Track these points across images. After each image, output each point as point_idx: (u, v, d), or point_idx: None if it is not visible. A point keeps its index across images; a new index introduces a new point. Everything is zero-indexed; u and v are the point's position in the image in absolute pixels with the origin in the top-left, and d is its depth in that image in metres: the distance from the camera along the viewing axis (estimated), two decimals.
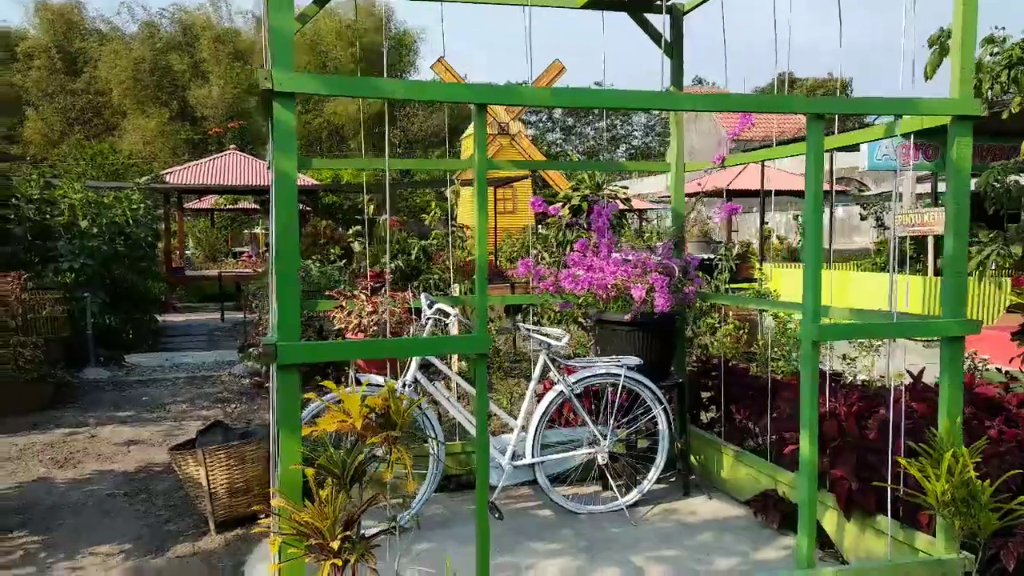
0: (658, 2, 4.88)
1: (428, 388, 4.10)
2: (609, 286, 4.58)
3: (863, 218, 27.18)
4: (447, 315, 3.99)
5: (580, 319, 8.48)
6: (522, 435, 4.29)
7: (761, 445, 4.63)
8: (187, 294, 17.40)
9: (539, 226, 24.92)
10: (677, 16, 4.97)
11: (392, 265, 8.80)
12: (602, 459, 4.36)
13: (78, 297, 9.19)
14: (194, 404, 7.89)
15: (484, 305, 2.57)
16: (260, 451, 4.58)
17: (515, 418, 4.36)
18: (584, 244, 5.03)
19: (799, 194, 23.53)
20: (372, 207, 11.10)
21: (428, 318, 4.10)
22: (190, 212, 25.83)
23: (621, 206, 10.20)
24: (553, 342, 4.22)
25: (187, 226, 26.32)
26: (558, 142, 69.98)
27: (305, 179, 19.27)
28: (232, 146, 21.36)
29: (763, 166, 16.72)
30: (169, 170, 17.81)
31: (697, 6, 4.94)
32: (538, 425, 4.25)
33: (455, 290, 8.16)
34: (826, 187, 23.81)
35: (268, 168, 4.70)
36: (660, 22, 4.96)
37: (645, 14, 4.92)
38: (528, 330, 4.30)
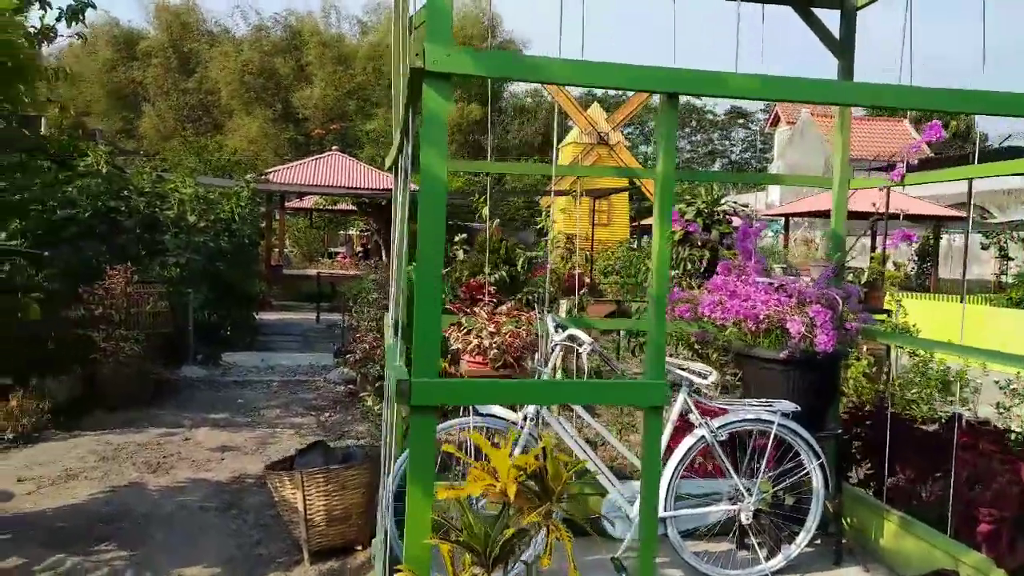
0: None
1: (554, 425, 3.61)
2: (760, 317, 4.00)
3: (984, 247, 25.36)
4: (579, 342, 3.49)
5: (694, 347, 7.87)
6: None
7: (926, 506, 3.96)
8: (283, 292, 17.51)
9: (634, 240, 24.25)
10: (849, 11, 4.36)
11: (495, 276, 8.40)
12: (745, 517, 3.78)
13: (182, 292, 9.14)
14: (288, 409, 7.66)
15: (661, 342, 2.07)
16: (361, 476, 4.20)
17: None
18: (727, 267, 4.46)
19: (914, 218, 22.10)
20: (485, 211, 10.71)
21: (556, 344, 3.62)
22: (290, 211, 26.25)
23: (738, 222, 9.52)
24: (697, 380, 3.68)
25: (286, 225, 26.78)
26: (650, 154, 68.73)
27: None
28: (334, 147, 21.53)
29: (888, 190, 15.58)
30: (273, 169, 18.01)
31: (873, 1, 4.32)
32: (673, 473, 3.71)
33: (562, 307, 7.68)
34: (942, 213, 22.24)
35: (388, 169, 4.36)
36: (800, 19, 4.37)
37: (813, 8, 4.33)
38: (667, 364, 3.77)
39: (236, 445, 6.33)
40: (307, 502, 4.06)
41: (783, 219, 26.83)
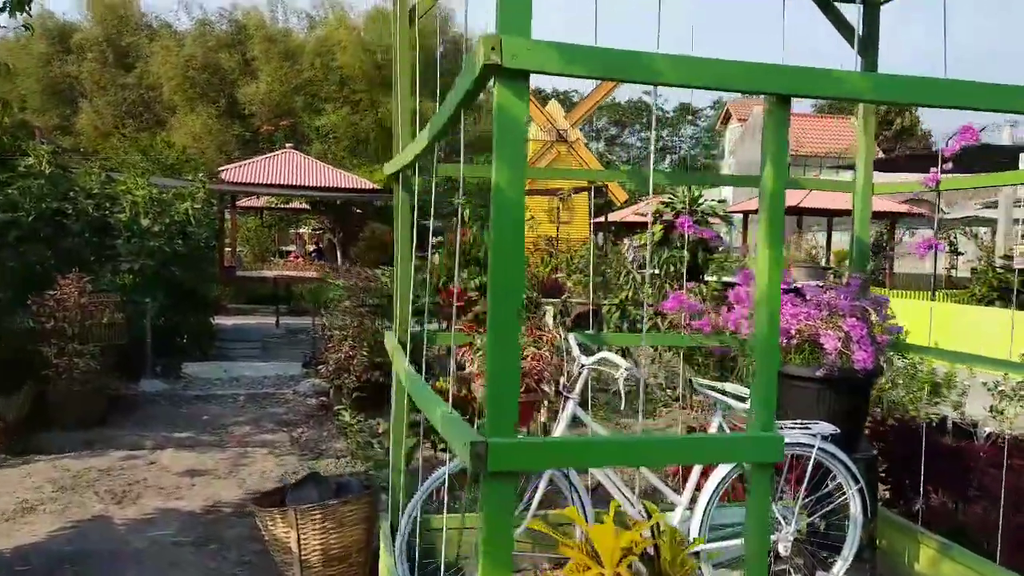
0: None
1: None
2: (792, 332, 3.76)
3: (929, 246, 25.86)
4: (614, 366, 3.19)
5: (697, 361, 7.66)
6: (686, 514, 3.48)
7: (964, 528, 3.78)
8: (237, 295, 16.86)
9: (599, 237, 24.10)
10: (873, 6, 4.15)
11: (476, 282, 8.06)
12: (784, 548, 3.53)
13: (137, 301, 8.58)
14: (258, 426, 7.21)
15: (771, 388, 1.78)
16: (360, 511, 3.84)
17: (676, 491, 3.55)
18: (748, 276, 4.21)
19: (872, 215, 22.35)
20: (467, 211, 10.34)
21: (583, 367, 3.31)
22: (240, 210, 25.42)
23: (717, 224, 9.35)
24: (735, 402, 3.41)
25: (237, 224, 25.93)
26: (602, 152, 68.96)
27: (361, 180, 18.69)
28: (288, 144, 20.84)
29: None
30: (225, 167, 17.31)
31: None
32: (708, 503, 3.44)
33: (548, 315, 7.39)
34: (896, 209, 22.60)
35: (386, 177, 4.00)
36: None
37: (836, 3, 4.11)
38: (701, 385, 3.49)
39: (206, 468, 5.88)
40: (302, 542, 3.68)
41: (741, 216, 27.02)
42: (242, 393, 8.22)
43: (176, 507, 5.06)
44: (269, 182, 16.52)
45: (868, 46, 4.16)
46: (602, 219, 24.23)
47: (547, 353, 3.43)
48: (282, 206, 23.91)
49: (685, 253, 8.70)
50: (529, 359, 3.33)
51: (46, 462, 5.91)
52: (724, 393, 3.47)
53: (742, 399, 3.44)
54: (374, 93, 38.20)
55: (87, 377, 6.82)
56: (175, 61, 35.79)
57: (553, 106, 27.16)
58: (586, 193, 23.89)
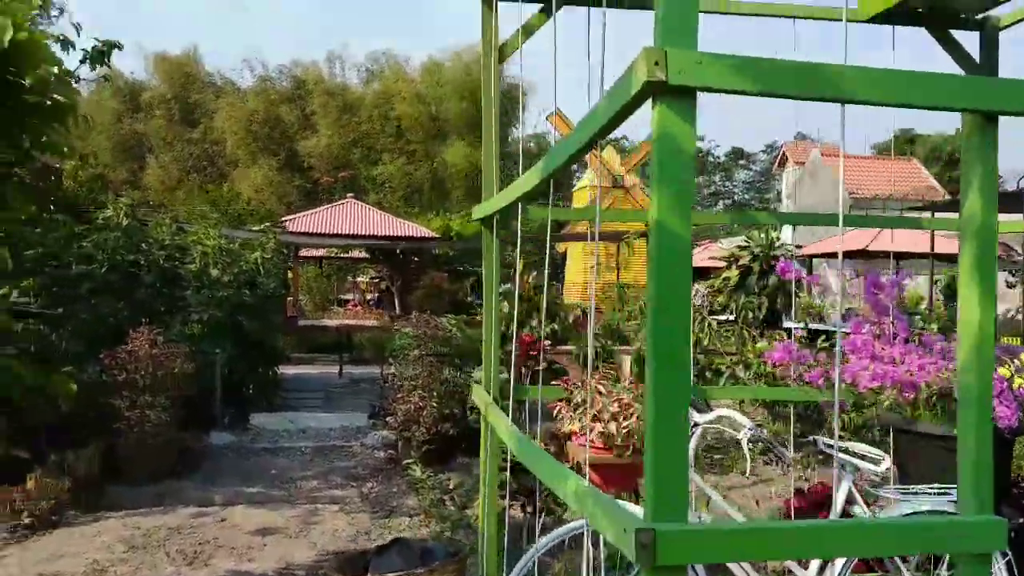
0: (966, 15, 3.79)
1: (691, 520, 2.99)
2: (921, 385, 3.41)
3: (1010, 286, 24.95)
4: (736, 425, 2.89)
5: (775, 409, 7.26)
6: None
7: None
8: (299, 344, 16.89)
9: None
10: (991, 32, 3.86)
11: (545, 331, 7.81)
12: None
13: (206, 351, 8.54)
14: (326, 480, 7.01)
15: (986, 458, 1.49)
16: None
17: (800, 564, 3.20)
18: (860, 326, 3.88)
19: (940, 257, 21.62)
20: (522, 264, 10.15)
21: (696, 425, 3.01)
22: (301, 259, 25.80)
23: (797, 269, 8.94)
24: (867, 466, 3.07)
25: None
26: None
27: (420, 229, 18.74)
28: (349, 195, 21.10)
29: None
30: (289, 217, 17.54)
31: (1019, 21, 3.82)
32: None
33: (624, 364, 7.09)
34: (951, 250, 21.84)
35: (473, 219, 3.82)
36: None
37: (951, 30, 3.83)
38: (827, 446, 3.16)
39: (277, 526, 5.68)
40: None
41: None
42: (309, 446, 8.05)
43: (248, 570, 4.86)
44: (331, 232, 16.65)
45: (990, 74, 3.86)
46: None
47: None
48: (342, 255, 24.17)
49: (763, 299, 8.32)
50: (636, 418, 3.04)
51: (117, 519, 5.78)
52: (854, 454, 3.14)
53: (875, 461, 3.10)
54: (429, 144, 38.81)
55: (158, 430, 6.74)
56: (238, 116, 36.93)
57: (609, 152, 27.10)
58: (643, 239, 23.59)
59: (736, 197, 75.31)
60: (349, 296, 31.19)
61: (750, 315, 8.07)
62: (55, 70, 3.38)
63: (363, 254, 24.06)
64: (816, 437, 3.25)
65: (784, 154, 42.86)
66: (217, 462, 7.38)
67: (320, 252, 23.44)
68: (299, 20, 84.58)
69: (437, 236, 18.68)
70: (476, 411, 8.20)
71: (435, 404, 7.19)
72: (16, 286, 7.77)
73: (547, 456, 2.21)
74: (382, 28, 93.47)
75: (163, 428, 6.79)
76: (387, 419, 7.85)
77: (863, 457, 3.09)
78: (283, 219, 16.95)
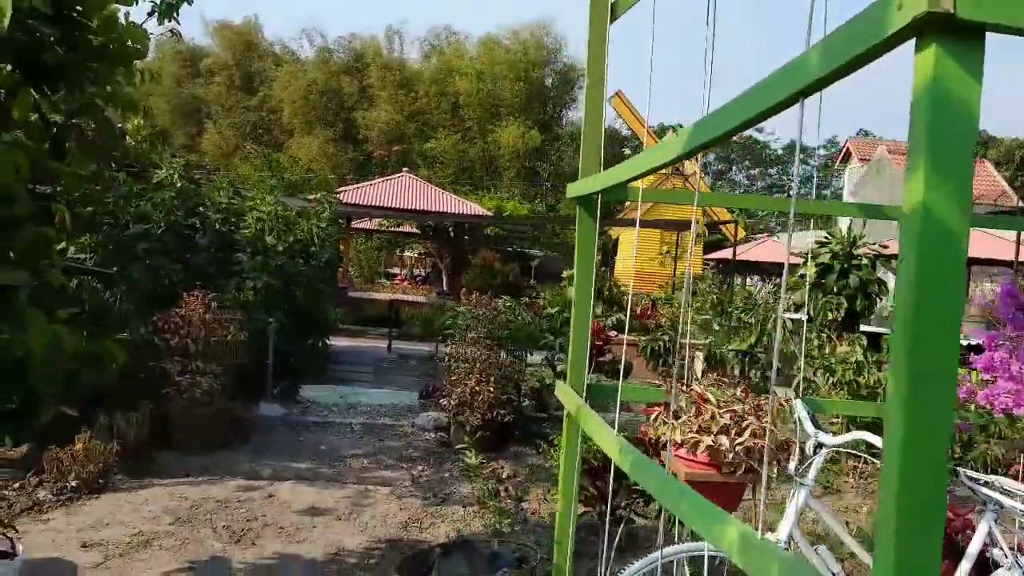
0: None
1: (809, 557, 2.62)
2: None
3: None
4: (874, 450, 2.51)
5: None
6: None
7: None
8: (348, 316, 16.77)
9: (706, 274, 23.07)
10: None
11: (611, 320, 7.44)
12: None
13: (260, 320, 8.36)
14: (376, 460, 6.77)
15: None
16: None
17: None
18: (995, 339, 3.44)
19: (1008, 264, 20.71)
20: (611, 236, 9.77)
21: (821, 447, 2.63)
22: (353, 231, 25.76)
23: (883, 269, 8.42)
24: (1013, 504, 2.67)
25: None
26: (710, 187, 67.54)
27: (475, 207, 18.45)
28: (404, 169, 20.90)
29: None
30: (343, 188, 17.38)
31: None
32: None
33: (698, 360, 6.70)
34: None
35: (569, 200, 3.50)
36: None
37: None
38: (971, 479, 2.76)
39: (326, 507, 5.45)
40: None
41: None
42: (359, 422, 7.82)
43: (297, 552, 4.62)
44: (385, 204, 16.44)
45: None
46: (720, 256, 23.27)
47: (770, 425, 2.77)
48: (392, 229, 24.05)
49: (841, 299, 7.84)
50: (750, 434, 2.68)
51: (163, 487, 5.61)
52: (994, 488, 2.74)
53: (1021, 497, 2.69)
54: (484, 122, 38.48)
55: (208, 397, 6.56)
56: (297, 86, 36.99)
57: (670, 138, 26.47)
58: (699, 229, 23.07)
59: (792, 191, 73.66)
60: (395, 270, 31.16)
61: (828, 316, 7.59)
62: (124, 9, 3.12)
63: (413, 229, 23.92)
64: (958, 468, 2.85)
65: (848, 150, 41.54)
66: (266, 434, 7.20)
67: (371, 224, 23.34)
68: None
69: (492, 215, 18.34)
70: (531, 398, 7.90)
71: (491, 389, 6.90)
72: (73, 243, 7.66)
73: (671, 480, 1.87)
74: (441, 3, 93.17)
75: (214, 396, 6.61)
76: (440, 400, 7.59)
77: (1010, 494, 2.69)
78: (338, 190, 16.77)
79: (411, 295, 19.59)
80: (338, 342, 13.27)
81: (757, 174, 73.29)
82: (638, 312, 10.81)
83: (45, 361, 3.18)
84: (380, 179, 19.09)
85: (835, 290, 7.93)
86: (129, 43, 3.17)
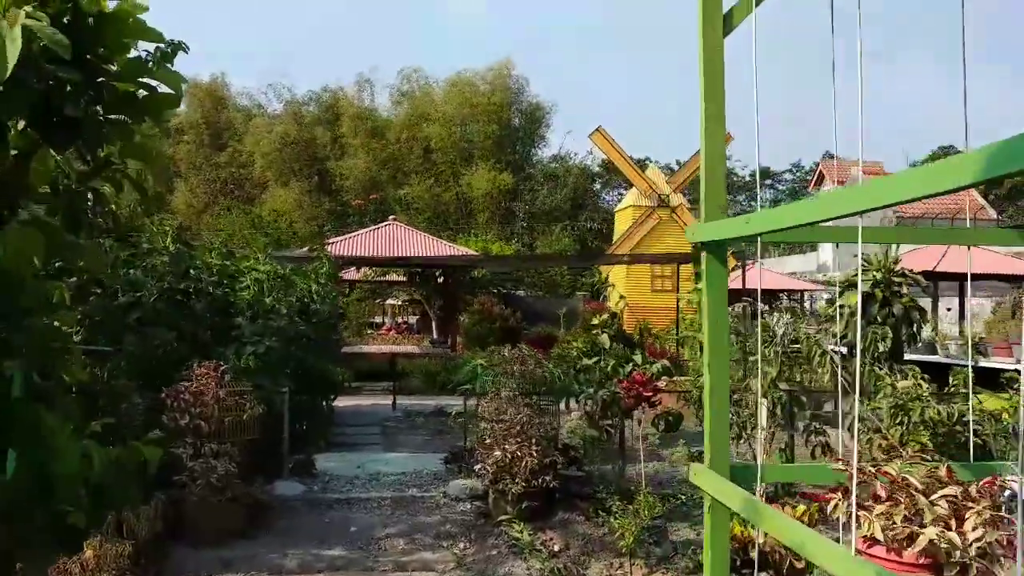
0: None
1: None
2: None
3: None
4: None
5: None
6: None
7: None
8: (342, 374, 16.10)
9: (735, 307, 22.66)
10: None
11: (658, 366, 6.92)
12: None
13: (273, 391, 7.73)
14: (413, 541, 6.15)
15: None
16: None
17: None
18: None
19: (1007, 278, 20.64)
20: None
21: None
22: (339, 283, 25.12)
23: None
24: None
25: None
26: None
27: (466, 251, 17.96)
28: (392, 217, 20.40)
29: None
30: (331, 240, 16.83)
31: None
32: None
33: (762, 410, 6.18)
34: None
35: (692, 242, 3.02)
36: None
37: None
38: None
39: None
40: None
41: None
42: (387, 496, 7.18)
43: None
44: (377, 254, 15.91)
45: None
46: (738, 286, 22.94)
47: (987, 510, 2.25)
48: (378, 278, 23.47)
49: (886, 329, 7.41)
50: (981, 526, 2.15)
51: None
52: None
53: None
54: (456, 165, 38.25)
55: (224, 482, 5.91)
56: (270, 139, 36.55)
57: (653, 171, 26.29)
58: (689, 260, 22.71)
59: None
60: (377, 319, 30.40)
61: (881, 347, 7.16)
62: (151, 49, 2.61)
63: (400, 277, 23.34)
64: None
65: (821, 172, 41.92)
66: (288, 518, 6.53)
67: (356, 275, 22.72)
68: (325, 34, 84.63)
69: (488, 257, 17.86)
70: (574, 460, 7.31)
71: (534, 453, 6.33)
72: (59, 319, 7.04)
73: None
74: (408, 50, 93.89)
75: (230, 480, 5.96)
76: (472, 466, 6.99)
77: None
78: (328, 242, 16.23)
79: (403, 345, 18.96)
80: (338, 403, 12.63)
81: (727, 201, 73.85)
82: (658, 351, 10.32)
83: (72, 481, 2.62)
84: (368, 228, 18.58)
85: (879, 319, 7.52)
86: (159, 88, 2.66)
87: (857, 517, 2.40)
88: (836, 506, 2.45)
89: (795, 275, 33.11)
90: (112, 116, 2.56)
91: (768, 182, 73.52)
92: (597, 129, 23.78)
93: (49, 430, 2.52)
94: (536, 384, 6.89)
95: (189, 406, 6.07)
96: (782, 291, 29.98)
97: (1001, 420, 6.26)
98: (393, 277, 23.33)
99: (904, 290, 7.68)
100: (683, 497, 6.18)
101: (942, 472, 2.51)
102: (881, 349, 7.11)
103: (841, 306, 7.95)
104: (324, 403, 9.82)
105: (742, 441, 6.55)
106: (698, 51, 2.75)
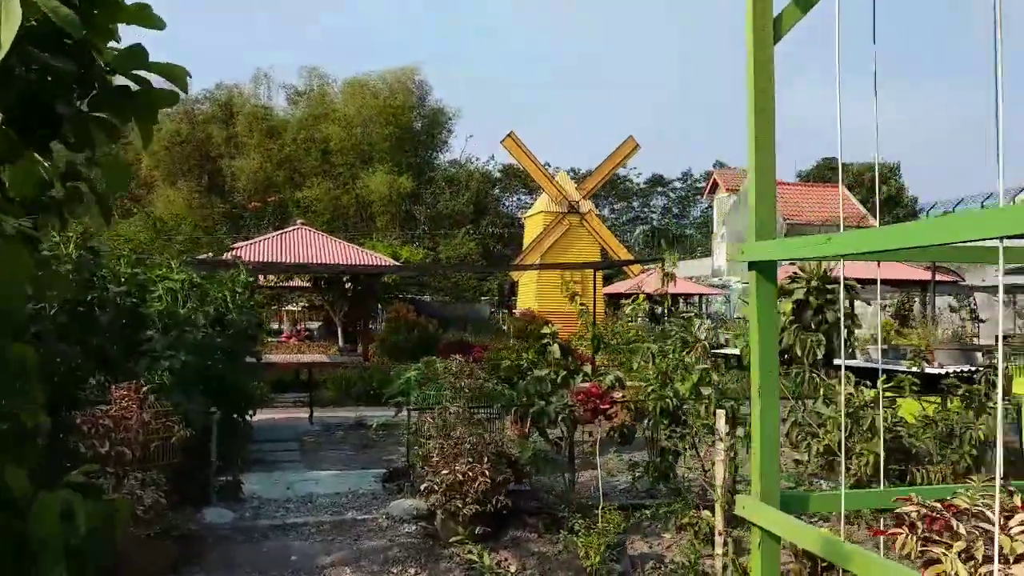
0: None
1: None
2: None
3: (954, 310, 25.51)
4: None
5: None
6: None
7: None
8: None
9: (609, 311, 22.96)
10: None
11: (611, 377, 6.77)
12: None
13: (182, 405, 7.14)
14: (360, 568, 5.78)
15: None
16: None
17: None
18: None
19: (895, 283, 21.91)
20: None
21: None
22: None
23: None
24: None
25: None
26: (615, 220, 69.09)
27: (379, 256, 17.47)
28: (300, 221, 19.62)
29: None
30: (237, 245, 15.99)
31: None
32: None
33: (720, 419, 6.12)
34: (923, 277, 22.06)
35: (735, 259, 2.84)
36: None
37: None
38: None
39: None
40: None
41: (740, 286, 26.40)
42: (325, 520, 6.73)
43: None
44: (286, 260, 15.24)
45: None
46: (614, 290, 23.26)
47: None
48: (281, 284, 22.55)
49: (819, 336, 7.57)
50: None
51: None
52: None
53: None
54: (355, 167, 37.43)
55: (152, 514, 5.37)
56: (159, 137, 34.67)
57: (563, 177, 26.45)
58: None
59: (655, 222, 76.61)
60: (275, 326, 29.28)
61: (818, 355, 7.30)
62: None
63: (304, 282, 22.52)
64: None
65: (715, 180, 43.39)
66: (222, 550, 6.00)
67: (260, 280, 21.73)
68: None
69: (400, 263, 17.42)
70: (519, 474, 7.06)
71: (487, 472, 6.07)
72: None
73: None
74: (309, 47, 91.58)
75: (159, 511, 5.42)
76: (417, 485, 6.67)
77: None
78: (232, 247, 15.40)
79: (310, 354, 18.24)
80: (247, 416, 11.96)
81: (621, 208, 75.71)
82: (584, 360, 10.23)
83: (54, 547, 2.26)
84: (275, 233, 17.79)
85: (813, 326, 7.67)
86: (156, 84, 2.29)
87: (923, 553, 2.30)
88: (905, 543, 2.32)
89: (692, 279, 34.11)
90: (98, 114, 2.18)
91: (660, 189, 75.72)
92: (509, 134, 23.73)
93: (18, 486, 2.15)
94: (486, 398, 6.64)
95: (109, 431, 5.49)
96: (680, 295, 30.81)
97: (937, 425, 6.46)
98: (296, 282, 22.48)
99: (834, 296, 7.88)
100: (647, 513, 6.07)
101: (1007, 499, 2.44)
102: (819, 355, 7.25)
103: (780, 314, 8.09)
104: (243, 419, 9.22)
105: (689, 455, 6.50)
106: (747, 59, 2.60)
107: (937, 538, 2.28)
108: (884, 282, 20.70)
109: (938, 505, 2.37)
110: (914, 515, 2.36)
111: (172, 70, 2.20)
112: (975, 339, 23.76)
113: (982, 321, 24.67)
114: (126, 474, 5.44)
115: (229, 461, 8.28)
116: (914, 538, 2.31)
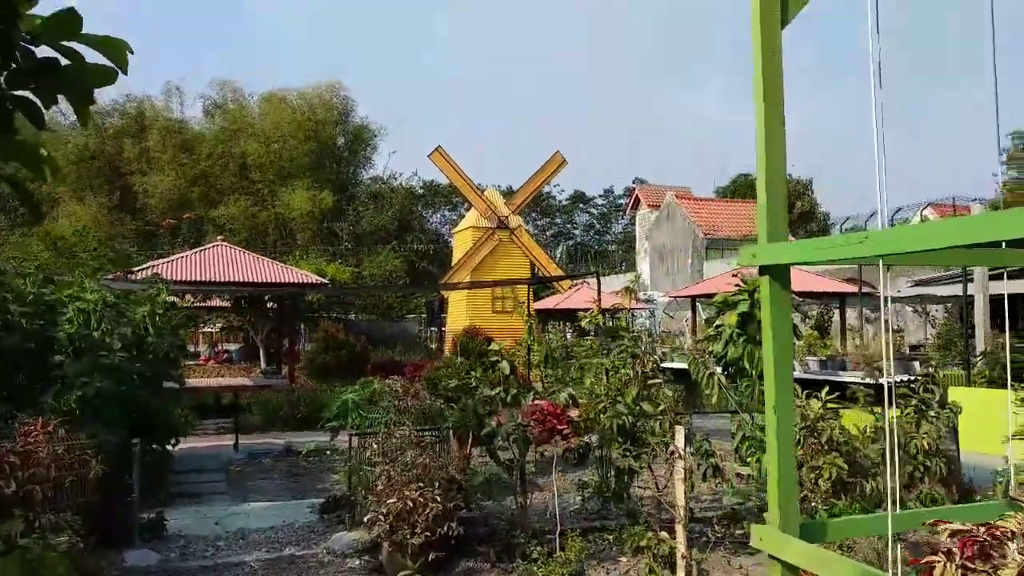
0: None
1: None
2: None
3: (869, 321, 26.40)
4: None
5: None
6: None
7: None
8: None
9: (546, 328, 22.79)
10: None
11: (564, 395, 6.48)
12: None
13: (93, 436, 6.53)
14: None
15: None
16: None
17: None
18: None
19: (813, 295, 22.48)
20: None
21: None
22: None
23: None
24: None
25: None
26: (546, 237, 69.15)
27: (305, 274, 16.82)
28: (220, 237, 18.75)
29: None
30: (152, 263, 15.13)
31: None
32: None
33: (679, 435, 5.92)
34: (840, 288, 22.69)
35: (739, 264, 2.60)
36: None
37: None
38: None
39: None
40: None
41: (670, 301, 26.83)
42: (261, 558, 6.21)
43: None
44: (203, 279, 14.48)
45: None
46: (543, 307, 23.13)
47: None
48: (198, 304, 21.54)
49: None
50: None
51: None
52: None
53: None
54: (275, 184, 36.39)
55: (68, 560, 4.80)
56: (64, 152, 32.88)
57: (492, 193, 26.23)
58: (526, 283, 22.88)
59: (577, 238, 77.34)
60: (191, 348, 28.02)
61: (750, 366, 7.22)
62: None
63: (223, 302, 21.57)
64: None
65: (637, 197, 43.95)
66: None
67: (177, 300, 20.69)
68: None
69: (327, 281, 16.82)
70: (479, 505, 6.66)
71: (438, 498, 5.71)
72: None
73: None
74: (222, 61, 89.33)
75: (76, 558, 4.87)
76: (360, 516, 6.25)
77: None
78: (148, 264, 14.55)
79: (230, 377, 17.42)
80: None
81: (544, 224, 76.20)
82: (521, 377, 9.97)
83: None
84: (194, 250, 16.93)
85: (757, 338, 7.60)
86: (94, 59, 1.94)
87: None
88: (943, 571, 2.13)
89: (617, 293, 34.36)
90: (18, 92, 1.82)
91: (582, 206, 76.53)
92: (437, 148, 23.41)
93: None
94: (432, 419, 6.29)
95: (16, 470, 4.90)
96: (606, 310, 30.93)
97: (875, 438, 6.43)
98: (215, 302, 21.51)
99: None
100: (610, 538, 5.81)
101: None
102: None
103: (719, 326, 8.01)
104: (164, 449, 8.58)
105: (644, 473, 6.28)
106: (754, 46, 2.39)
107: (979, 566, 2.09)
108: (804, 294, 21.14)
109: (974, 528, 2.19)
110: (947, 541, 2.17)
111: (109, 43, 1.85)
112: (903, 348, 24.61)
113: (900, 331, 25.60)
114: (36, 517, 4.86)
115: (151, 495, 7.67)
116: (953, 566, 2.12)
